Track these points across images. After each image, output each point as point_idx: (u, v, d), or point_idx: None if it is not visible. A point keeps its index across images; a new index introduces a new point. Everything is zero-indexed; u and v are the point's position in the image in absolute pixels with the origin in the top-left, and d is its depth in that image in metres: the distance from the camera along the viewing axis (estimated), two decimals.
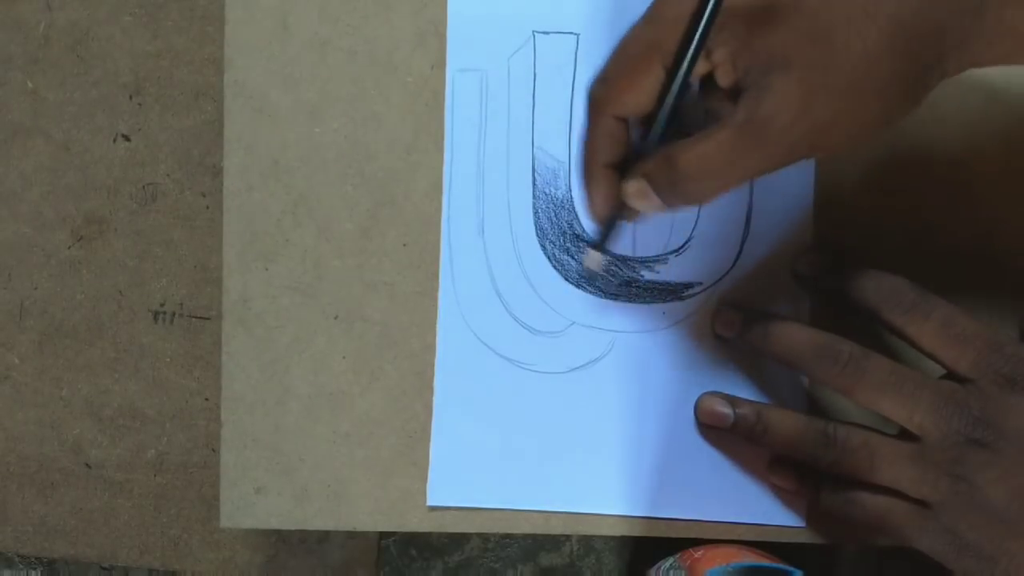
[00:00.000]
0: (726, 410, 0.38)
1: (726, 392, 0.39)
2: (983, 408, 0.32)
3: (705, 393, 0.39)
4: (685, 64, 0.31)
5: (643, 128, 0.34)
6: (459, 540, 0.42)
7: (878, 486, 0.34)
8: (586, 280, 0.40)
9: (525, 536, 0.42)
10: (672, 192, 0.32)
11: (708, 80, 0.33)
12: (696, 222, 0.40)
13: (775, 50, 0.29)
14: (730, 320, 0.39)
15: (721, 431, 0.38)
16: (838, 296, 0.37)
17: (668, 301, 0.40)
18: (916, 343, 0.34)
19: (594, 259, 0.37)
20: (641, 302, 0.40)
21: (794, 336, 0.36)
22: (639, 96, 0.33)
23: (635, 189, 0.33)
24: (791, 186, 0.40)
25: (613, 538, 0.42)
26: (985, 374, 0.32)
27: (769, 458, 0.39)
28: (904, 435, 0.34)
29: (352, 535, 0.43)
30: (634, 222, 0.39)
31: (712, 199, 0.33)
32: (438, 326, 0.40)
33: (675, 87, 0.32)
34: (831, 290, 0.38)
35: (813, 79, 0.29)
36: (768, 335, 0.37)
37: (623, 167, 0.35)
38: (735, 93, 0.31)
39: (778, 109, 0.29)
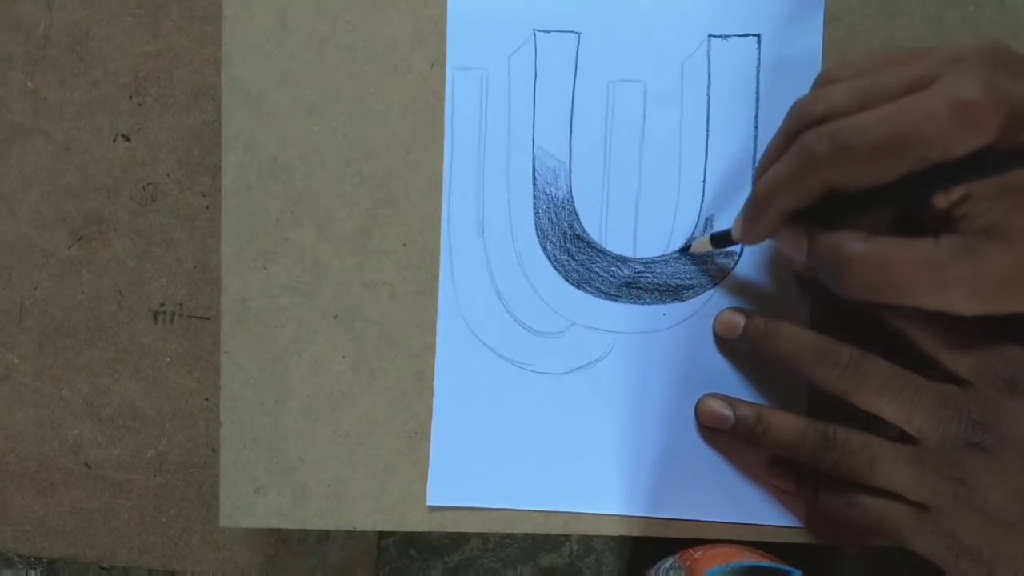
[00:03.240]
0: (726, 412, 0.38)
1: (726, 393, 0.39)
2: (982, 412, 0.32)
3: (705, 394, 0.39)
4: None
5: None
6: (459, 540, 0.42)
7: (877, 489, 0.34)
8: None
9: (525, 536, 0.42)
10: (835, 278, 0.32)
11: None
12: (696, 222, 0.39)
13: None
14: (730, 321, 0.38)
15: (721, 432, 0.38)
16: (837, 298, 0.37)
17: (668, 302, 0.40)
18: (916, 346, 0.34)
19: (703, 244, 0.36)
20: (641, 303, 0.40)
21: (793, 338, 0.36)
22: (867, 180, 0.30)
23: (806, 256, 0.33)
24: None
25: (613, 538, 0.42)
26: (984, 377, 0.32)
27: (767, 459, 0.39)
28: (903, 438, 0.34)
29: (352, 535, 0.43)
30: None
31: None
32: (438, 326, 0.40)
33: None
34: (830, 292, 0.38)
35: None
36: (768, 337, 0.36)
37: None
38: (944, 217, 0.29)
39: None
